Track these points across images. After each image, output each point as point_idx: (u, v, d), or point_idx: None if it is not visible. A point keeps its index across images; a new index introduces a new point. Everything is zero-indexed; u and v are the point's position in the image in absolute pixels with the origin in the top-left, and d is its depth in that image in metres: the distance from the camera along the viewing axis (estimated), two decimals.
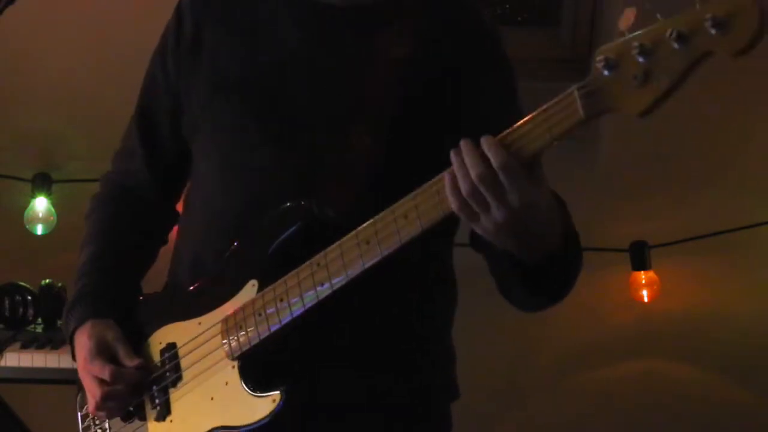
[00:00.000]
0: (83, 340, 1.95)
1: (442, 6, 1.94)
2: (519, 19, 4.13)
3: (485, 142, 1.57)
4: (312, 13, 1.92)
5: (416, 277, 1.87)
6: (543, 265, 1.68)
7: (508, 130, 1.58)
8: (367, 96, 1.85)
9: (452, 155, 1.59)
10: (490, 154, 1.56)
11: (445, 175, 1.60)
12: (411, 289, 1.88)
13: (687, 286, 4.05)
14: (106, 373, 1.91)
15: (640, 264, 3.96)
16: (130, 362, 1.92)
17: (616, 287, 4.04)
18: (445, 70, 1.87)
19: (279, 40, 1.92)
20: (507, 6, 4.12)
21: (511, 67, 1.95)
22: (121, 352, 1.93)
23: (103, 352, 1.93)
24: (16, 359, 3.18)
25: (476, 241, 1.81)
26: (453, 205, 1.60)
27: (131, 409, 1.96)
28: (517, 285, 1.74)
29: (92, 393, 1.93)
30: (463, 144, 1.59)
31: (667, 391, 4.06)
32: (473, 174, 1.56)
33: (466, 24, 1.93)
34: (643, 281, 3.98)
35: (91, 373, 1.93)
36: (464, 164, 1.57)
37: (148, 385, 1.95)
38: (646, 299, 3.98)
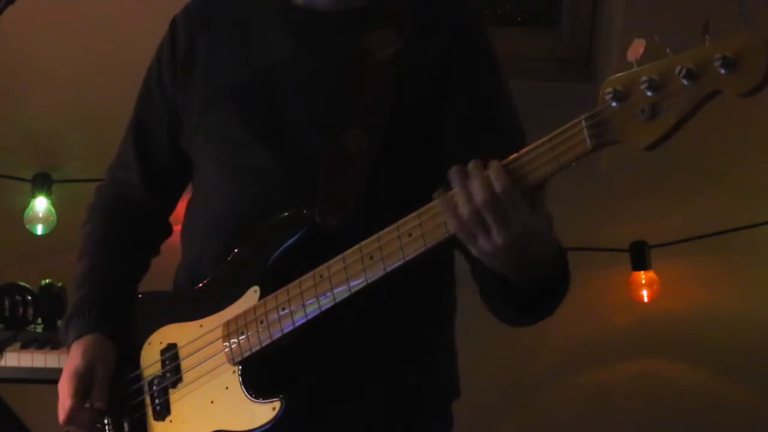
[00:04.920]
0: (76, 356, 1.98)
1: (430, 4, 1.95)
2: (519, 19, 4.13)
3: (491, 168, 1.58)
4: (302, 18, 1.94)
5: (418, 282, 1.87)
6: (533, 288, 1.68)
7: (514, 156, 1.58)
8: (360, 98, 1.87)
9: (455, 175, 1.59)
10: (493, 179, 1.56)
11: (440, 202, 1.60)
12: (413, 293, 1.88)
13: (687, 286, 4.05)
14: (66, 404, 1.95)
15: (640, 264, 3.97)
16: (96, 403, 1.95)
17: (616, 287, 4.04)
18: (437, 69, 1.88)
19: (271, 48, 1.95)
20: (507, 6, 4.12)
21: (499, 63, 1.96)
22: (96, 390, 1.96)
23: (83, 378, 1.96)
24: (16, 359, 3.18)
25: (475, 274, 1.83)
26: (451, 225, 1.60)
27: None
28: (505, 304, 1.75)
29: (59, 407, 1.98)
30: (471, 167, 1.59)
31: (667, 390, 4.07)
32: (479, 198, 1.56)
33: (454, 22, 1.94)
34: (643, 281, 3.98)
35: (60, 392, 1.97)
36: (467, 186, 1.58)
37: (147, 385, 1.96)
38: (646, 299, 3.98)
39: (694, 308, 4.04)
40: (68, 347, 2.02)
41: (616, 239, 3.94)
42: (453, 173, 1.60)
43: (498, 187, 1.56)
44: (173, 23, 2.07)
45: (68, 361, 1.99)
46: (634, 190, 3.95)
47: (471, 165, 1.59)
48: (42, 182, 3.91)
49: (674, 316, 4.03)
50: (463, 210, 1.58)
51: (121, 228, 2.12)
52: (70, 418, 1.96)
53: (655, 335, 4.06)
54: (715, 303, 4.03)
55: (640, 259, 3.96)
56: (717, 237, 3.89)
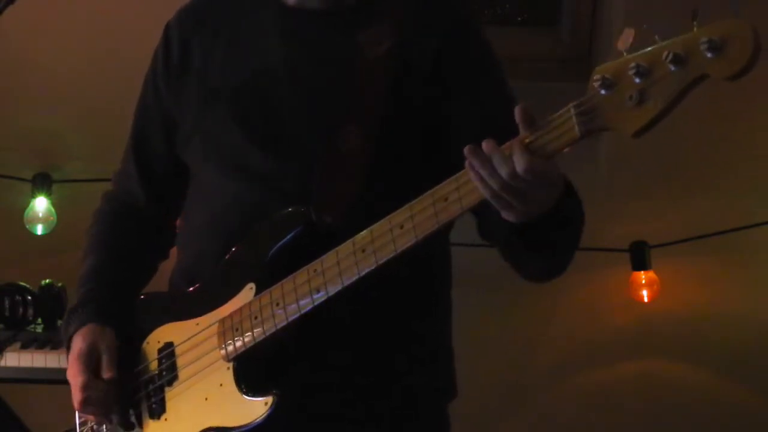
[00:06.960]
0: (78, 342, 1.98)
1: (429, 4, 1.95)
2: (519, 19, 4.13)
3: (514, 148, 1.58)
4: (296, 19, 1.95)
5: (410, 277, 1.88)
6: (549, 219, 1.67)
7: (507, 144, 1.58)
8: (355, 96, 1.87)
9: (480, 151, 1.59)
10: (515, 160, 1.57)
11: (470, 172, 1.60)
12: (408, 291, 1.89)
13: (687, 286, 4.05)
14: (78, 381, 1.94)
15: (640, 264, 3.96)
16: (106, 374, 1.95)
17: (616, 287, 4.04)
18: (434, 69, 1.88)
19: (265, 49, 1.95)
20: (507, 6, 4.12)
21: (496, 58, 1.96)
22: (104, 362, 1.96)
23: (89, 358, 1.96)
24: (16, 359, 3.19)
25: (486, 232, 1.83)
26: (487, 195, 1.60)
27: (132, 420, 1.99)
28: (528, 254, 1.74)
29: (73, 395, 1.97)
30: (486, 146, 1.59)
31: (667, 390, 4.07)
32: (504, 174, 1.57)
33: (449, 17, 1.94)
34: (643, 281, 3.98)
35: (70, 380, 1.96)
36: (488, 164, 1.58)
37: (143, 384, 1.97)
38: (646, 299, 3.98)
39: (694, 308, 4.04)
40: (69, 340, 2.02)
41: (616, 239, 3.94)
42: (469, 152, 1.59)
43: (519, 168, 1.57)
44: (166, 30, 2.08)
45: (71, 350, 1.99)
46: (634, 190, 3.95)
47: (485, 144, 1.59)
48: (42, 182, 3.91)
49: (674, 316, 4.03)
50: (492, 184, 1.58)
51: (126, 231, 2.14)
52: (86, 398, 1.94)
53: (655, 335, 4.06)
54: (715, 303, 4.03)
55: (640, 259, 3.96)
56: (717, 237, 3.89)
